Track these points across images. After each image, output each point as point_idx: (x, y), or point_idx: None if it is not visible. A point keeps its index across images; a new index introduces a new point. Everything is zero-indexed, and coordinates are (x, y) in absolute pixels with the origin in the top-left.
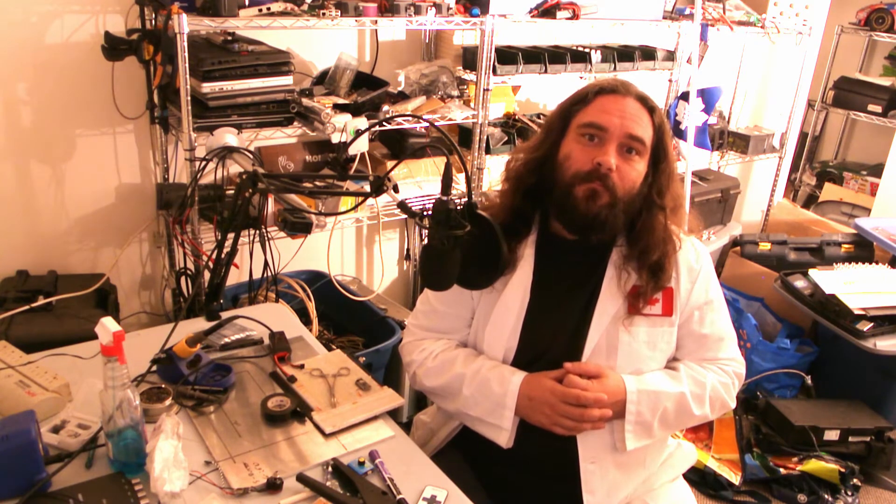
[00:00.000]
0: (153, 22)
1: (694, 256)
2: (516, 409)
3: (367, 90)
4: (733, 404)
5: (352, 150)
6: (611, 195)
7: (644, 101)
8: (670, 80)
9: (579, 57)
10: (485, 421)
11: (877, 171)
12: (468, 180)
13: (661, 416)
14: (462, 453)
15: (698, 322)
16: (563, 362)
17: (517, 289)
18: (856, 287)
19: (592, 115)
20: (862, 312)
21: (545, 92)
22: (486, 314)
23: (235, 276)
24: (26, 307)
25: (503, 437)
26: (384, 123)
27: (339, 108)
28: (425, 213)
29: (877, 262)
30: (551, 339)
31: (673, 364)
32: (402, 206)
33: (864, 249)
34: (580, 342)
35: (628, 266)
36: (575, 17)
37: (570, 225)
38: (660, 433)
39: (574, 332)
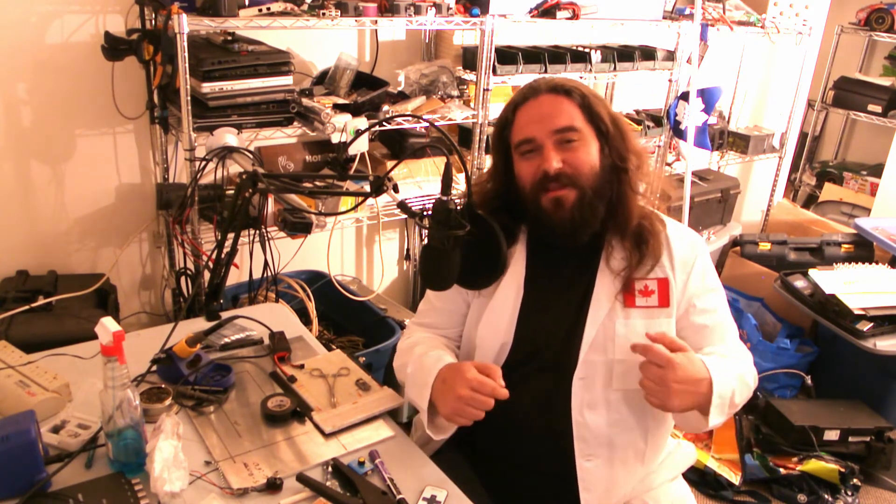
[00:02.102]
0: (153, 22)
1: (689, 246)
2: (432, 390)
3: (367, 90)
4: (754, 385)
5: (352, 150)
6: (575, 189)
7: (556, 89)
8: (670, 80)
9: (579, 57)
10: (416, 405)
11: (877, 171)
12: (468, 180)
13: (732, 393)
14: (462, 453)
15: (697, 313)
16: (581, 351)
17: (510, 285)
18: (856, 287)
19: (519, 132)
20: (862, 312)
21: None
22: (479, 311)
23: (235, 276)
24: (26, 307)
25: (429, 426)
26: (384, 123)
27: (339, 108)
28: (425, 213)
29: (877, 262)
30: (547, 334)
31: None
32: (402, 206)
33: (864, 249)
34: (577, 336)
35: (612, 240)
36: (575, 17)
37: (554, 237)
38: (729, 413)
39: (570, 327)
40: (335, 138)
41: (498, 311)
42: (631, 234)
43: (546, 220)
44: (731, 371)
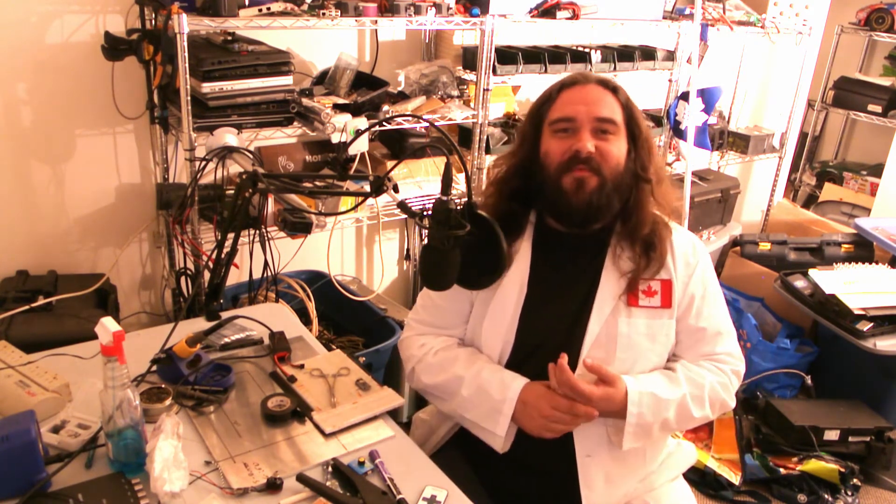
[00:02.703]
0: (153, 22)
1: (691, 250)
2: (513, 415)
3: (367, 90)
4: (733, 403)
5: (352, 150)
6: (598, 177)
7: (605, 83)
8: (670, 80)
9: (579, 57)
10: (479, 425)
11: (877, 171)
12: (468, 180)
13: (661, 421)
14: (462, 453)
15: (695, 316)
16: (586, 359)
17: (513, 283)
18: (856, 287)
19: (559, 110)
20: (862, 312)
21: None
22: (483, 309)
23: (235, 276)
24: (26, 307)
25: (497, 442)
26: (384, 123)
27: (339, 108)
28: (425, 213)
29: (877, 262)
30: (549, 332)
31: (669, 364)
32: (402, 206)
33: (864, 249)
34: (579, 334)
35: (622, 243)
36: (575, 17)
37: (566, 218)
38: (659, 435)
39: (573, 325)
40: (335, 138)
41: (501, 308)
42: (641, 239)
43: (563, 201)
44: (670, 398)
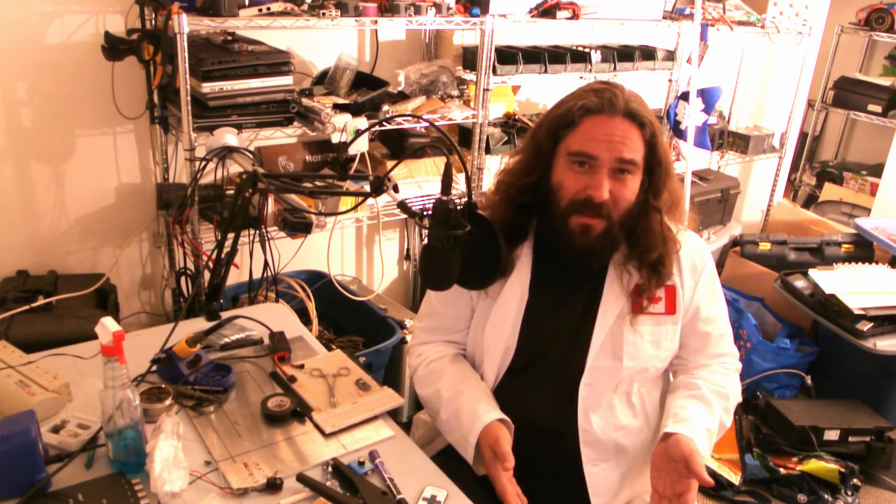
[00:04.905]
0: (153, 22)
1: (697, 255)
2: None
3: (367, 90)
4: (741, 398)
5: (352, 150)
6: (606, 222)
7: (633, 116)
8: (670, 80)
9: (579, 57)
10: (455, 445)
11: (877, 171)
12: (468, 180)
13: (711, 444)
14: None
15: (703, 321)
16: (588, 356)
17: (515, 289)
18: (856, 287)
19: (581, 143)
20: (862, 312)
21: (545, 92)
22: (484, 315)
23: (235, 276)
24: (26, 307)
25: (477, 468)
26: (384, 123)
27: (339, 108)
28: (425, 213)
29: (877, 262)
30: (551, 339)
31: (691, 381)
32: (402, 206)
33: (864, 249)
34: (583, 342)
35: (629, 265)
36: (575, 17)
37: (566, 255)
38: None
39: (576, 332)
40: (335, 138)
41: (503, 314)
42: (649, 263)
43: (566, 241)
44: (713, 427)
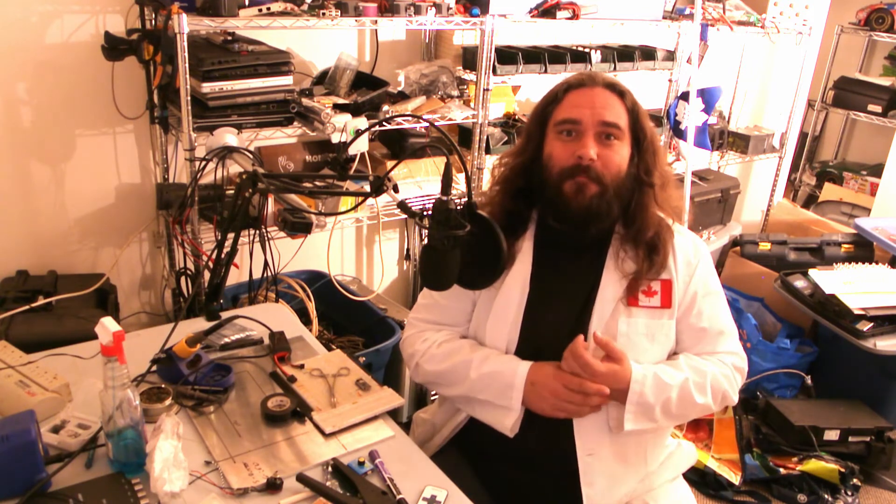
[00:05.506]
0: (153, 22)
1: (692, 250)
2: (522, 397)
3: (367, 90)
4: (736, 398)
5: (352, 150)
6: (598, 184)
7: (612, 87)
8: (670, 80)
9: (579, 57)
10: (493, 404)
11: (877, 171)
12: (468, 180)
13: (663, 402)
14: (462, 452)
15: (697, 316)
16: (595, 331)
17: (516, 282)
18: (856, 287)
19: (565, 112)
20: (862, 312)
21: (545, 92)
22: (486, 308)
23: (235, 276)
24: (26, 307)
25: (510, 419)
26: (384, 123)
27: (339, 108)
28: (425, 213)
29: (877, 262)
30: (553, 330)
31: (672, 357)
32: (402, 206)
33: (864, 249)
34: (582, 333)
35: (625, 246)
36: (575, 17)
37: (565, 221)
38: (661, 420)
39: (575, 324)
40: (335, 138)
41: (504, 306)
42: (645, 242)
43: (563, 204)
44: (672, 382)
